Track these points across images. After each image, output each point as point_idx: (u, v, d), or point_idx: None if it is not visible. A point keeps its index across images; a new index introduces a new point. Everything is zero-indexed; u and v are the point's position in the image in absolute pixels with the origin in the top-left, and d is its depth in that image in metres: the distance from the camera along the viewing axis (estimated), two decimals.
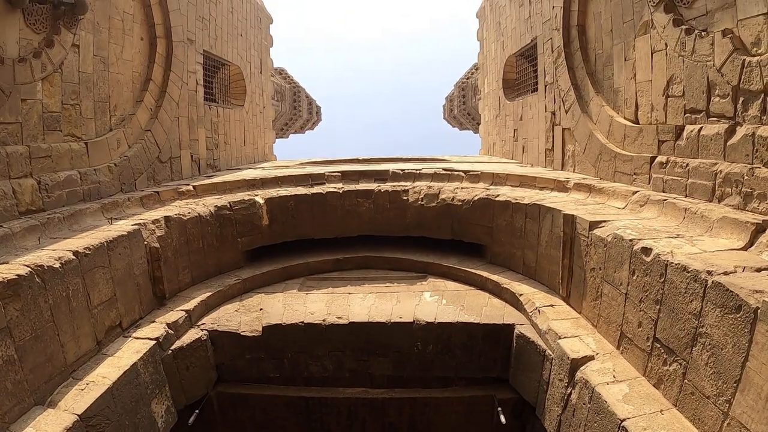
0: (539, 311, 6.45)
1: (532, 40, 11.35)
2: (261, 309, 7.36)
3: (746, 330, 3.40)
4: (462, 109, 22.34)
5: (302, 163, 13.29)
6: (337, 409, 7.25)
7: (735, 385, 3.47)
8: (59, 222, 5.92)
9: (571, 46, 9.07)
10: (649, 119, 6.74)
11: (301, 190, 9.06)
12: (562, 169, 9.62)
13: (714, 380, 3.69)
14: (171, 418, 6.02)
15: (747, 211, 4.76)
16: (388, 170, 9.69)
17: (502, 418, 6.30)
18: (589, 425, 4.69)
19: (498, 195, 8.20)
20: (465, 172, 9.39)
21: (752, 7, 4.73)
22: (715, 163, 5.28)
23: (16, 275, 4.30)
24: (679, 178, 5.89)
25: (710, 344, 3.77)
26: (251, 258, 8.65)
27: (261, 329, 6.97)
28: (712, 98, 5.40)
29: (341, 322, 7.07)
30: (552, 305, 6.55)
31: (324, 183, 9.37)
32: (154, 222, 6.81)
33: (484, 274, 7.89)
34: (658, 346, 4.44)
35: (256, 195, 8.71)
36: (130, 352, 5.59)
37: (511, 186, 8.72)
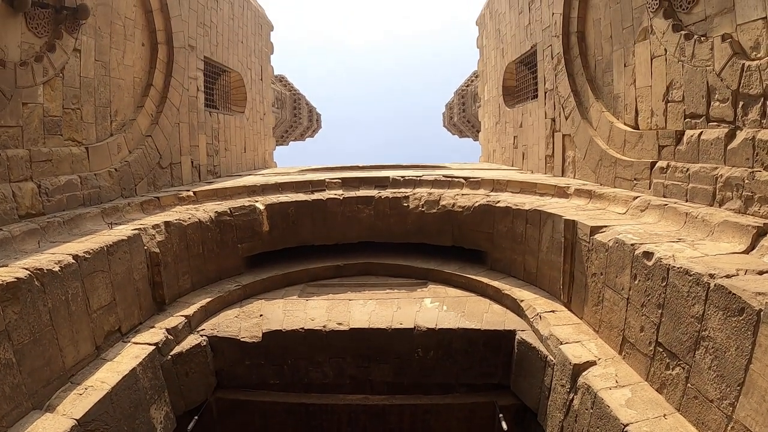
0: (540, 317, 6.42)
1: (531, 47, 11.39)
2: (261, 315, 7.33)
3: (749, 333, 3.38)
4: (462, 117, 22.39)
5: (302, 170, 13.30)
6: (338, 416, 7.20)
7: (738, 388, 3.44)
8: (59, 226, 5.90)
9: (571, 53, 9.09)
10: (649, 124, 6.75)
11: (301, 197, 9.05)
12: (562, 176, 9.62)
13: (717, 384, 3.66)
14: (170, 424, 5.98)
15: (748, 214, 4.76)
16: (388, 177, 9.69)
17: (504, 425, 6.26)
18: (591, 431, 4.66)
19: (498, 201, 8.19)
20: (465, 178, 9.39)
21: (751, 11, 4.74)
22: (716, 168, 5.27)
23: (16, 278, 4.28)
24: (679, 183, 5.88)
25: (713, 348, 3.74)
26: (251, 264, 8.63)
27: (261, 335, 6.95)
28: (711, 103, 5.41)
29: (342, 328, 7.05)
30: (553, 311, 6.53)
31: (324, 189, 9.37)
32: (154, 227, 6.80)
33: (485, 280, 7.86)
34: (661, 350, 4.41)
35: (257, 201, 8.70)
36: (129, 357, 5.56)
37: (512, 192, 8.72)
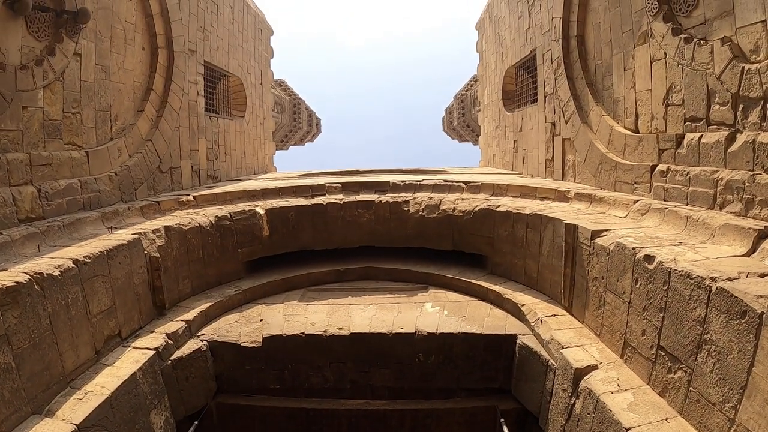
0: (541, 321, 6.41)
1: (531, 52, 11.41)
2: (261, 320, 7.32)
3: (751, 335, 3.37)
4: (461, 121, 22.41)
5: (302, 175, 13.31)
6: (338, 421, 7.17)
7: (741, 391, 3.43)
8: (59, 230, 5.89)
9: (571, 57, 9.11)
10: (649, 128, 6.75)
11: (301, 201, 9.05)
12: (562, 180, 9.62)
13: (720, 387, 3.65)
14: (170, 429, 5.95)
15: (749, 217, 4.76)
16: (388, 181, 9.69)
17: (505, 429, 6.23)
18: None
19: (499, 205, 8.19)
20: (465, 183, 9.39)
21: (750, 14, 4.75)
22: (716, 171, 5.28)
23: (15, 282, 4.27)
24: (680, 187, 5.88)
25: (715, 351, 3.73)
26: (252, 269, 8.62)
27: (261, 340, 6.92)
28: (711, 106, 5.41)
29: (342, 333, 7.03)
30: (554, 315, 6.52)
31: (324, 194, 9.36)
32: (154, 231, 6.79)
33: (486, 284, 7.86)
34: (663, 353, 4.40)
35: (257, 206, 8.70)
36: (129, 362, 5.53)
37: (512, 196, 8.72)
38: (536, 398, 6.15)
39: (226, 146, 12.69)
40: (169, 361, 6.13)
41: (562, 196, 7.97)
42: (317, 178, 11.01)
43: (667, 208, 5.75)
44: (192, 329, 6.77)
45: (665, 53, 6.19)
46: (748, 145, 4.82)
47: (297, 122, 21.99)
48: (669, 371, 4.30)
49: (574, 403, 5.11)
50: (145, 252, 6.48)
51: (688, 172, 5.75)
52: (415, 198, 9.07)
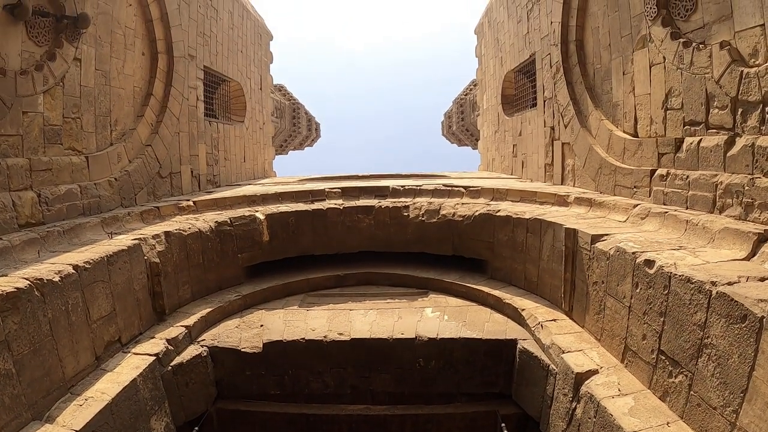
0: (542, 326, 6.41)
1: (530, 56, 11.43)
2: (261, 325, 7.31)
3: (752, 339, 3.37)
4: (460, 126, 22.44)
5: (302, 180, 13.33)
6: (339, 426, 7.15)
7: (742, 395, 3.43)
8: (59, 235, 5.89)
9: (570, 61, 9.13)
10: (648, 132, 6.76)
11: (301, 206, 9.05)
12: (562, 184, 9.63)
13: (720, 391, 3.65)
14: None
15: (748, 221, 4.76)
16: (388, 186, 9.70)
17: None
18: None
19: (499, 210, 8.19)
20: (465, 187, 9.40)
21: (749, 18, 4.77)
22: (716, 175, 5.28)
23: (15, 288, 4.27)
24: (679, 191, 5.89)
25: (716, 355, 3.73)
26: (252, 274, 8.62)
27: (261, 346, 6.92)
28: (710, 110, 5.42)
29: (342, 338, 7.02)
30: (554, 320, 6.52)
31: (324, 199, 9.37)
32: (154, 237, 6.79)
33: (486, 289, 7.85)
34: (663, 358, 4.40)
35: (257, 211, 8.70)
36: (129, 367, 5.52)
37: (512, 201, 8.72)
38: (537, 403, 6.14)
39: (226, 151, 12.70)
40: (170, 367, 6.12)
41: (561, 201, 7.97)
42: (317, 183, 11.02)
43: (666, 212, 5.75)
44: (192, 335, 6.77)
45: (664, 57, 6.21)
46: (748, 148, 4.83)
47: (296, 127, 22.02)
48: (670, 375, 4.29)
49: (575, 407, 5.10)
50: (145, 257, 6.48)
51: (687, 176, 5.76)
52: (414, 203, 9.08)
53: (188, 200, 8.72)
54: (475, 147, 20.25)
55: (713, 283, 3.84)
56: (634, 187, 6.88)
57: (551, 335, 6.07)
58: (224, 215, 8.36)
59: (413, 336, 6.95)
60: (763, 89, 4.62)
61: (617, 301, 5.25)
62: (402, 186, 9.69)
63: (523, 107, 13.05)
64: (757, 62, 4.76)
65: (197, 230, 7.61)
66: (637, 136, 7.06)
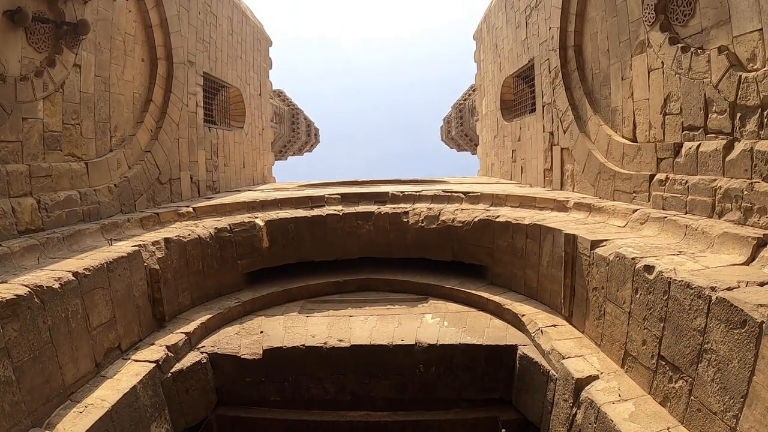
0: (542, 331, 6.40)
1: (529, 61, 11.46)
2: (261, 332, 7.30)
3: (752, 344, 3.37)
4: (460, 131, 22.47)
5: (302, 186, 13.33)
6: None
7: (742, 400, 3.43)
8: (59, 242, 5.89)
9: (568, 67, 9.15)
10: (647, 137, 6.78)
11: (301, 213, 9.05)
12: (561, 189, 9.64)
13: (720, 396, 3.65)
14: None
15: (747, 225, 4.76)
16: (387, 192, 9.70)
17: None
18: None
19: (498, 216, 8.20)
20: (465, 193, 9.40)
21: (747, 23, 4.78)
22: (715, 179, 5.29)
23: (15, 295, 4.26)
24: (678, 195, 5.89)
25: (716, 360, 3.73)
26: (251, 280, 8.61)
27: (261, 352, 6.91)
28: (709, 115, 5.44)
29: (343, 345, 7.01)
30: (554, 325, 6.51)
31: (324, 205, 9.37)
32: (154, 243, 6.79)
33: (486, 295, 7.85)
34: (663, 363, 4.40)
35: (256, 217, 8.70)
36: (129, 374, 5.52)
37: (511, 206, 8.73)
38: (537, 409, 6.13)
39: (225, 157, 12.71)
40: (170, 374, 6.11)
41: (561, 206, 7.98)
42: (316, 189, 11.03)
43: (666, 217, 5.76)
44: (192, 341, 6.76)
45: (662, 62, 6.23)
46: (746, 153, 4.84)
47: (295, 132, 22.04)
48: (670, 381, 4.29)
49: (576, 413, 5.09)
50: (145, 264, 6.48)
51: (686, 181, 5.77)
52: (414, 209, 9.08)
53: (188, 206, 8.73)
54: (474, 152, 20.28)
55: (713, 289, 3.84)
56: (633, 192, 6.89)
57: (551, 341, 6.07)
58: (224, 221, 8.36)
59: (413, 342, 6.94)
60: (762, 94, 4.63)
61: (617, 306, 5.25)
62: (401, 192, 9.70)
63: (522, 112, 13.07)
64: (755, 67, 4.77)
65: (197, 237, 7.61)
66: (636, 141, 7.08)
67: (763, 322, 3.30)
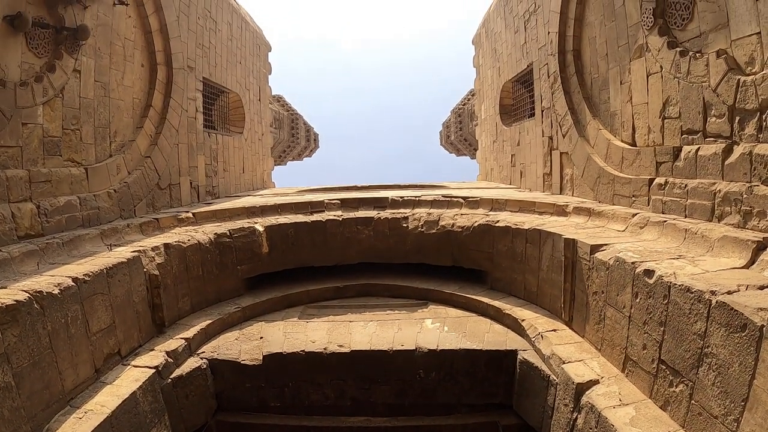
0: (542, 336, 6.39)
1: (528, 66, 11.49)
2: (261, 337, 7.29)
3: (752, 348, 3.37)
4: (459, 135, 22.49)
5: (301, 191, 13.34)
6: None
7: (743, 403, 3.42)
8: (58, 247, 5.89)
9: (567, 71, 9.17)
10: (646, 141, 6.79)
11: (300, 218, 9.05)
12: (560, 193, 9.64)
13: (721, 400, 3.64)
14: None
15: (747, 229, 4.77)
16: (387, 197, 9.71)
17: None
18: None
19: (498, 221, 8.20)
20: (464, 198, 9.40)
21: (745, 26, 4.80)
22: (714, 183, 5.30)
23: (15, 301, 4.25)
24: (678, 199, 5.90)
25: (716, 364, 3.73)
26: (251, 286, 8.60)
27: (261, 358, 6.89)
28: (708, 118, 5.45)
29: (342, 350, 7.00)
30: (555, 330, 6.50)
31: (323, 210, 9.37)
32: (153, 249, 6.78)
33: (486, 300, 7.84)
34: (664, 367, 4.39)
35: (256, 223, 8.70)
36: (129, 380, 5.50)
37: (511, 211, 8.72)
38: (538, 414, 6.12)
39: (225, 162, 12.72)
40: (169, 380, 6.09)
41: (560, 211, 7.98)
42: (316, 195, 11.03)
43: (665, 221, 5.76)
44: (192, 347, 6.74)
45: (661, 66, 6.24)
46: (745, 156, 4.85)
47: (295, 137, 22.06)
48: (670, 385, 4.28)
49: (576, 418, 5.08)
50: (145, 270, 6.47)
51: (686, 185, 5.77)
52: (414, 214, 9.08)
53: (187, 212, 8.72)
54: (473, 157, 20.29)
55: (713, 293, 3.84)
56: (633, 196, 6.90)
57: (551, 345, 6.05)
58: (223, 227, 8.36)
59: (413, 347, 6.93)
60: (760, 97, 4.64)
61: (617, 310, 5.24)
62: (401, 197, 9.70)
63: (521, 117, 13.09)
64: (753, 70, 4.78)
65: (196, 242, 7.61)
66: (635, 145, 7.08)
67: (763, 325, 3.29)
